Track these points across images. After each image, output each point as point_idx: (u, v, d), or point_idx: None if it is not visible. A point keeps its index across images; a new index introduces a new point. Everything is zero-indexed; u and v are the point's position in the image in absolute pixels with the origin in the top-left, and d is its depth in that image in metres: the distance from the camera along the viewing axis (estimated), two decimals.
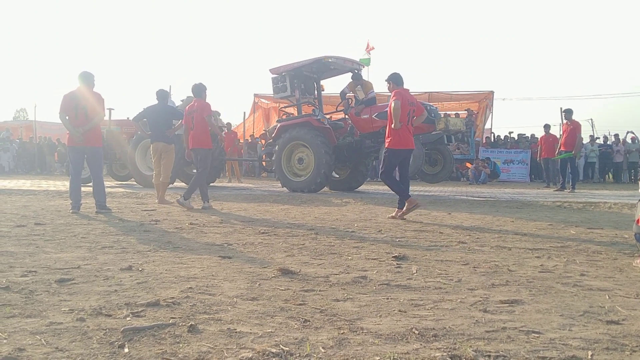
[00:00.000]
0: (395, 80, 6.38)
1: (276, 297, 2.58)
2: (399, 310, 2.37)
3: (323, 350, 1.84)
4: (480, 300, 2.55)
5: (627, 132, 18.84)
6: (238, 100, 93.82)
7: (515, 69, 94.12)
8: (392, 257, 3.68)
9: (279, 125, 10.84)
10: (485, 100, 19.99)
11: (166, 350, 1.83)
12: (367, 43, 19.17)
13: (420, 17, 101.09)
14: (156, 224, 5.53)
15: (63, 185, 11.75)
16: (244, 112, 20.62)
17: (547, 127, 13.75)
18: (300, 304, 2.45)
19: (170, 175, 8.25)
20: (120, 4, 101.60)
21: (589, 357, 1.80)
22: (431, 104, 11.87)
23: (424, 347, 1.89)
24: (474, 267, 3.39)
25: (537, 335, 2.02)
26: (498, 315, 2.30)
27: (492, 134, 20.41)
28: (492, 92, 19.68)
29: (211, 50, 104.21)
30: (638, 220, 3.65)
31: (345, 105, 10.73)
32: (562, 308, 2.43)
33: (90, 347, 1.86)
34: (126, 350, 1.83)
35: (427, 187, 13.23)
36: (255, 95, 21.91)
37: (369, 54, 18.86)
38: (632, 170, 18.59)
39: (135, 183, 12.27)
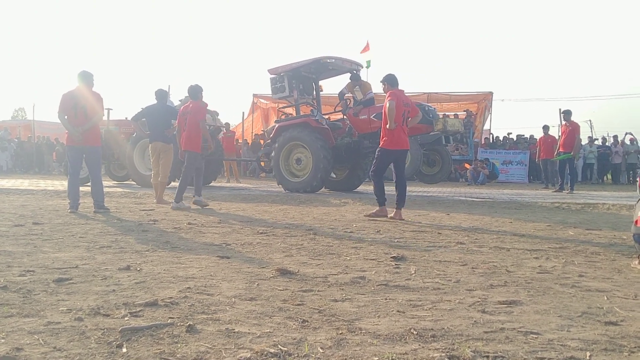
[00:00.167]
0: (390, 81, 6.41)
1: (274, 297, 2.58)
2: (398, 311, 2.37)
3: (321, 351, 1.84)
4: (478, 301, 2.55)
5: (626, 134, 18.91)
6: (237, 100, 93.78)
7: (514, 70, 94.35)
8: (391, 257, 3.68)
9: (277, 125, 10.83)
10: (484, 101, 20.03)
11: (164, 350, 1.82)
12: (367, 43, 19.16)
13: (419, 17, 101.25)
14: (154, 223, 5.52)
15: (61, 184, 11.73)
16: (243, 112, 20.66)
17: (545, 128, 13.77)
18: (298, 304, 2.45)
19: (168, 175, 8.23)
20: (120, 4, 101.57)
21: (587, 357, 1.81)
22: (429, 104, 11.88)
23: (423, 347, 1.89)
24: (473, 268, 3.39)
25: (536, 336, 2.02)
26: (496, 316, 2.30)
27: (491, 135, 20.43)
28: (491, 93, 19.72)
29: (210, 50, 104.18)
30: (636, 221, 3.65)
31: (343, 106, 10.73)
32: (560, 309, 2.43)
33: (88, 346, 1.85)
34: (124, 350, 1.83)
35: (426, 187, 13.24)
36: (254, 96, 21.91)
37: (369, 55, 18.85)
38: (631, 172, 18.61)
39: (133, 183, 12.26)
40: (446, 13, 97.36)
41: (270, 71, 10.70)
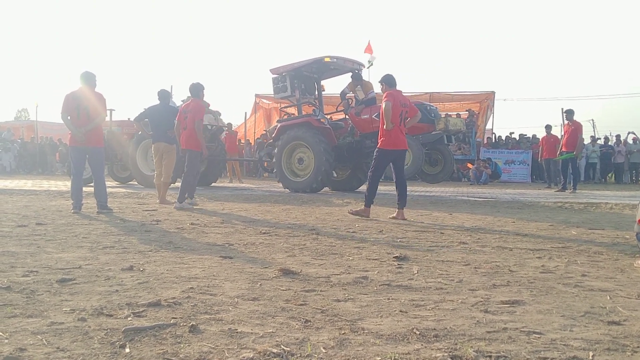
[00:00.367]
0: (388, 81, 6.44)
1: (277, 297, 2.58)
2: (400, 311, 2.37)
3: (324, 351, 1.84)
4: (481, 301, 2.55)
5: (628, 133, 18.82)
6: (239, 100, 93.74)
7: (516, 70, 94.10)
8: (393, 257, 3.68)
9: (279, 125, 10.84)
10: (486, 100, 19.97)
11: (167, 351, 1.83)
12: (368, 43, 19.12)
13: (421, 17, 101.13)
14: (157, 224, 5.53)
15: (64, 185, 11.76)
16: (245, 113, 20.65)
17: (548, 127, 13.75)
18: (301, 304, 2.45)
19: (171, 175, 8.25)
20: (120, 4, 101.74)
21: (590, 357, 1.80)
22: (431, 104, 11.87)
23: (425, 347, 1.89)
24: (475, 268, 3.39)
25: (538, 336, 2.02)
26: (499, 316, 2.30)
27: (493, 135, 20.39)
28: (493, 93, 19.67)
29: (212, 50, 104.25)
30: (639, 221, 3.65)
31: (345, 106, 10.73)
32: (563, 309, 2.43)
33: (91, 347, 1.86)
34: (127, 350, 1.83)
35: (428, 187, 13.23)
36: (257, 96, 21.90)
37: (371, 56, 18.81)
38: (634, 171, 18.56)
39: (136, 183, 12.29)
40: (449, 13, 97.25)
41: (272, 71, 10.71)
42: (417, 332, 2.05)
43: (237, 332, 2.03)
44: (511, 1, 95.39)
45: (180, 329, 2.06)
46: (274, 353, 1.80)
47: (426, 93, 19.52)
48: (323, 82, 11.34)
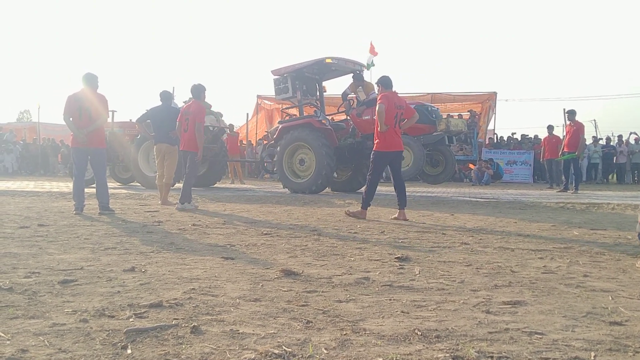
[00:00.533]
0: (384, 83, 6.44)
1: (279, 298, 2.59)
2: (402, 311, 2.37)
3: (326, 352, 1.84)
4: (483, 301, 2.55)
5: (630, 133, 18.80)
6: (241, 101, 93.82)
7: (518, 70, 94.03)
8: (395, 258, 3.68)
9: (280, 126, 10.85)
10: (488, 101, 19.97)
11: (169, 352, 1.83)
12: (370, 44, 19.12)
13: (422, 17, 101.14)
14: (159, 225, 5.54)
15: (66, 186, 11.78)
16: (247, 114, 20.65)
17: (550, 128, 13.73)
18: (302, 305, 2.45)
19: (173, 176, 8.26)
20: (120, 4, 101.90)
21: (592, 358, 1.80)
22: (433, 105, 11.85)
23: (427, 348, 1.89)
24: (477, 268, 3.38)
25: (540, 337, 2.02)
26: (501, 317, 2.30)
27: (495, 135, 20.38)
28: (495, 93, 19.67)
29: (214, 51, 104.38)
30: None
31: (346, 107, 10.73)
32: (565, 309, 2.42)
33: (93, 348, 1.86)
34: (129, 351, 1.83)
35: (430, 188, 13.22)
36: (258, 97, 21.92)
37: (370, 56, 18.81)
38: (635, 171, 18.54)
39: (138, 184, 12.30)
40: (450, 13, 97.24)
41: (274, 72, 10.73)
42: (418, 332, 2.05)
43: (238, 333, 2.03)
44: (513, 1, 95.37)
45: (182, 330, 2.06)
46: (275, 354, 1.80)
47: (428, 94, 19.52)
48: (324, 83, 11.34)
